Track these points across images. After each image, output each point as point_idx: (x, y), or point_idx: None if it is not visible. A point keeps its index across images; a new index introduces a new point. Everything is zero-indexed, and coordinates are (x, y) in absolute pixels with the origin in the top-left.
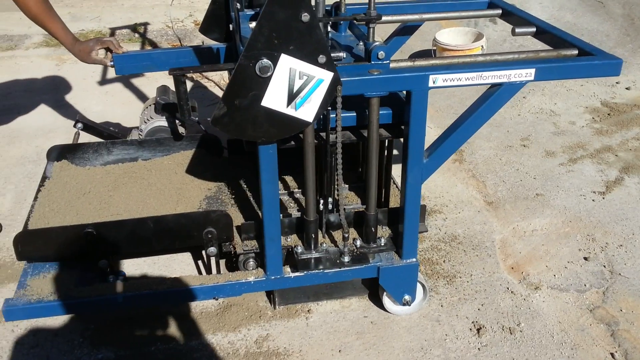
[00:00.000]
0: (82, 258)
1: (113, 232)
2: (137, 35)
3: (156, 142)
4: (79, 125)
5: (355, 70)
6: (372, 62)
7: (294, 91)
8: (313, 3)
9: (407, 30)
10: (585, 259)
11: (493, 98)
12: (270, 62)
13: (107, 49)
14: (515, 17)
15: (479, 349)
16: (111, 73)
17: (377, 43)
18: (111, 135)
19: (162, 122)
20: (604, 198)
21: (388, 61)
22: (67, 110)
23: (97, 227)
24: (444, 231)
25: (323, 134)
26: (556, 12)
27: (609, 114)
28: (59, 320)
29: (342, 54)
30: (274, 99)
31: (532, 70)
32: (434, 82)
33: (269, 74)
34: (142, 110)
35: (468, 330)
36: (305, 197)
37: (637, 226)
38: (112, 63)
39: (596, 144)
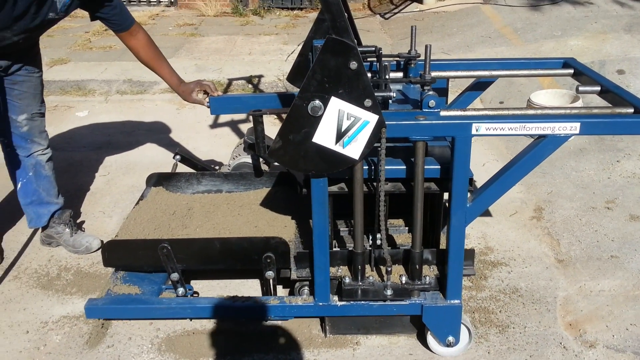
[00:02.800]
0: (158, 270)
1: (184, 248)
2: (250, 85)
3: (239, 176)
4: (177, 157)
5: (404, 116)
6: (424, 110)
7: (342, 130)
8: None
9: (480, 85)
10: None
11: (537, 149)
12: (321, 103)
13: (205, 92)
14: (585, 77)
15: None
16: (222, 119)
17: (430, 93)
18: (204, 167)
19: (247, 159)
20: None
21: (438, 110)
22: (179, 148)
23: (171, 243)
24: (506, 283)
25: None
26: None
27: None
28: (135, 326)
29: (392, 95)
30: (323, 136)
31: (577, 124)
32: (477, 130)
33: (319, 113)
34: (234, 148)
35: None
36: (354, 231)
37: None
38: (208, 104)
39: None
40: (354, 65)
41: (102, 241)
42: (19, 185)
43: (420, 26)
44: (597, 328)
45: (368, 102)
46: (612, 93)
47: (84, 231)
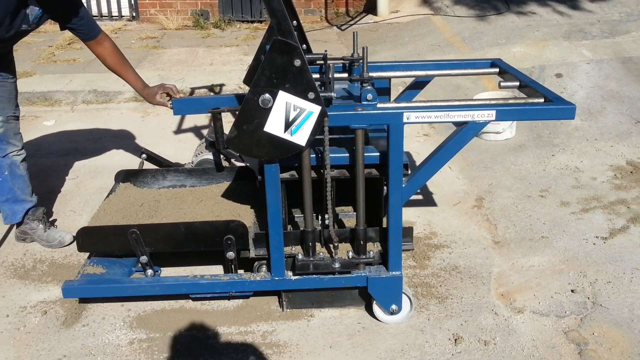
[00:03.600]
0: (128, 254)
1: (152, 233)
2: (212, 94)
3: (202, 172)
4: (144, 155)
5: (345, 108)
6: (362, 102)
7: (290, 120)
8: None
9: (419, 85)
10: (572, 291)
11: (460, 134)
12: (270, 97)
13: (168, 94)
14: (508, 75)
15: (452, 354)
16: (185, 124)
17: (368, 88)
18: (168, 165)
19: (209, 155)
20: (604, 242)
21: (375, 102)
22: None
23: (140, 228)
24: (447, 262)
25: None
26: (601, 81)
27: (631, 172)
28: (108, 308)
29: (333, 94)
30: (273, 126)
31: (493, 112)
32: (407, 119)
33: (269, 105)
34: (196, 147)
35: (447, 339)
36: (304, 212)
37: (630, 267)
38: (171, 105)
39: (611, 197)
40: (297, 62)
41: (74, 236)
42: None
43: (375, 36)
44: (526, 297)
45: (311, 95)
46: (529, 87)
47: (56, 227)
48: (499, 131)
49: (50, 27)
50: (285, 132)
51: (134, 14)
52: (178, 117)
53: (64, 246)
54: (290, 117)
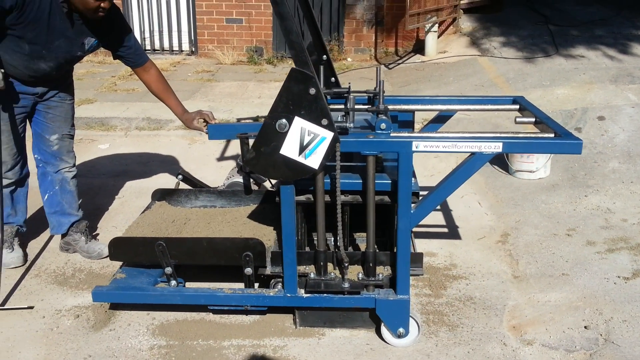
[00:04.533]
0: (155, 265)
1: (177, 246)
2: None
3: (231, 194)
4: (180, 176)
5: (358, 135)
6: (376, 131)
7: (304, 144)
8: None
9: (441, 119)
10: (586, 327)
11: (467, 165)
12: (286, 122)
13: (205, 120)
14: (527, 112)
15: None
16: (228, 153)
17: (383, 118)
18: (201, 186)
19: (239, 179)
20: (626, 282)
21: (389, 131)
22: (182, 169)
23: (166, 241)
24: (462, 292)
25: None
26: None
27: None
28: (134, 316)
29: (349, 124)
30: (289, 149)
31: (500, 144)
32: (416, 147)
33: (285, 130)
34: (230, 170)
35: None
36: (317, 232)
37: None
38: (207, 130)
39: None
40: (312, 91)
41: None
42: (45, 197)
43: (420, 75)
44: (537, 330)
45: (325, 121)
46: (543, 123)
47: (97, 240)
48: (532, 170)
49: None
50: (299, 155)
51: (193, 49)
52: (222, 145)
53: (102, 258)
54: (305, 141)
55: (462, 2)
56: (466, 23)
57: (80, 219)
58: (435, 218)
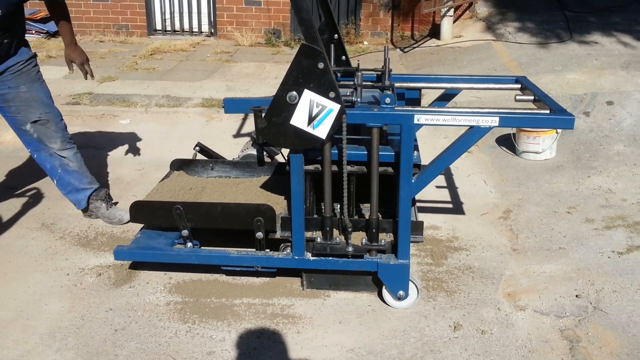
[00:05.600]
0: (172, 228)
1: (193, 210)
2: None
3: (245, 165)
4: (197, 148)
5: (363, 108)
6: (381, 105)
7: (312, 115)
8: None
9: (446, 97)
10: (577, 296)
11: (465, 137)
12: (296, 94)
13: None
14: (528, 91)
15: (449, 339)
16: (244, 130)
17: (387, 93)
18: (217, 158)
19: (253, 151)
20: (619, 257)
21: (393, 105)
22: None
23: (183, 205)
24: (462, 262)
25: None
26: None
27: None
28: (152, 275)
29: (355, 98)
30: (298, 119)
31: (497, 118)
32: (418, 120)
33: (295, 102)
34: (244, 143)
35: (447, 326)
36: (324, 199)
37: (639, 280)
38: (71, 72)
39: (637, 218)
40: (321, 65)
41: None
42: (55, 182)
43: (435, 59)
44: (531, 298)
45: (332, 94)
46: (541, 101)
47: (116, 207)
48: (538, 151)
49: (137, 39)
50: (308, 125)
51: (212, 30)
52: (238, 122)
53: (123, 223)
54: (313, 112)
55: None
56: (482, 8)
57: (97, 188)
58: (441, 194)
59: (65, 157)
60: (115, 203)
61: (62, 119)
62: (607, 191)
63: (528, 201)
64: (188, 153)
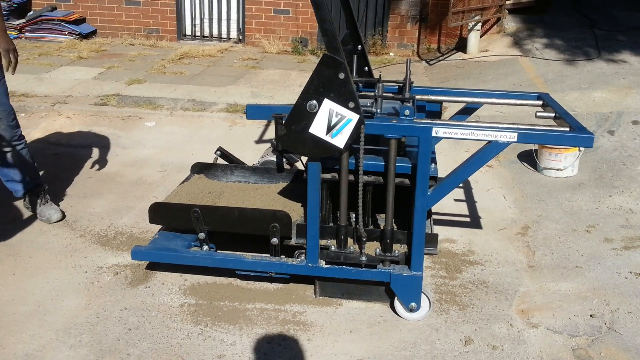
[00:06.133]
0: (190, 231)
1: (211, 213)
2: None
3: (265, 171)
4: (218, 152)
5: (383, 119)
6: (400, 117)
7: (332, 125)
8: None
9: (467, 110)
10: (591, 316)
11: (483, 152)
12: (317, 103)
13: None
14: (549, 108)
15: (460, 353)
16: (266, 135)
17: (407, 105)
18: (237, 163)
19: (273, 157)
20: (637, 278)
21: (412, 118)
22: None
23: (201, 208)
24: (477, 277)
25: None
26: None
27: None
28: (168, 276)
29: (374, 109)
30: (317, 128)
31: (515, 134)
32: (436, 133)
33: (315, 110)
34: (265, 150)
35: (458, 340)
36: (340, 208)
37: None
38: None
39: None
40: (342, 75)
41: (63, 213)
42: None
43: (460, 73)
44: (544, 315)
45: (352, 104)
46: (561, 118)
47: (51, 204)
48: (560, 168)
49: (166, 43)
50: (327, 134)
51: (241, 37)
52: (261, 128)
53: (51, 223)
54: (332, 122)
55: (507, 2)
56: (510, 23)
57: (36, 185)
58: (459, 208)
59: (9, 152)
60: (56, 202)
61: (15, 118)
62: (628, 211)
63: (547, 218)
64: (210, 157)
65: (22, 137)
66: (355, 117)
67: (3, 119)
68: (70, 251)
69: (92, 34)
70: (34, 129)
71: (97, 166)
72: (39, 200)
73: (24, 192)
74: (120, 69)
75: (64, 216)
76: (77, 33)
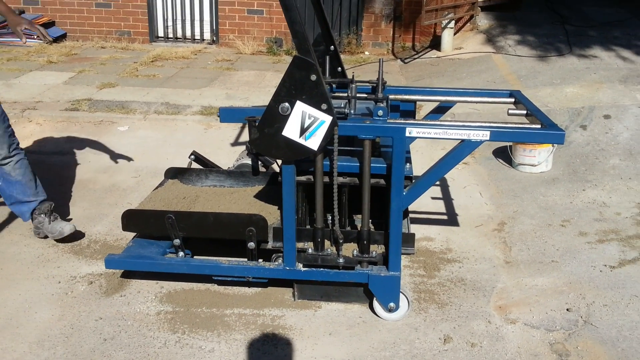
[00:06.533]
0: (164, 237)
1: (185, 219)
2: None
3: (240, 174)
4: (192, 156)
5: (355, 120)
6: (374, 118)
7: (305, 127)
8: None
9: (442, 109)
10: (568, 310)
11: (456, 151)
12: (289, 105)
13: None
14: (521, 105)
15: (439, 351)
16: (242, 137)
17: (381, 105)
18: (212, 167)
19: (248, 161)
20: (611, 270)
21: (385, 118)
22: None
23: (175, 214)
24: (455, 274)
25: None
26: None
27: None
28: (144, 284)
29: (348, 110)
30: (291, 131)
31: (488, 132)
32: (409, 133)
33: (288, 113)
34: (240, 152)
35: (437, 339)
36: (316, 210)
37: (630, 294)
38: (25, 41)
39: (630, 232)
40: (313, 77)
41: (74, 227)
42: None
43: (435, 70)
44: (522, 311)
45: (324, 106)
46: (533, 115)
47: (58, 219)
48: (534, 164)
49: (139, 45)
50: (300, 137)
51: (214, 38)
52: (236, 131)
53: (64, 236)
54: (305, 124)
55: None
56: (483, 20)
57: (41, 201)
58: (436, 206)
59: (6, 169)
60: (64, 217)
61: (9, 124)
62: (601, 205)
63: (522, 214)
64: (185, 161)
65: (19, 146)
66: (328, 119)
67: None
68: (43, 261)
69: (62, 37)
70: None
71: (69, 173)
72: (47, 219)
73: (29, 215)
74: (92, 72)
75: (75, 229)
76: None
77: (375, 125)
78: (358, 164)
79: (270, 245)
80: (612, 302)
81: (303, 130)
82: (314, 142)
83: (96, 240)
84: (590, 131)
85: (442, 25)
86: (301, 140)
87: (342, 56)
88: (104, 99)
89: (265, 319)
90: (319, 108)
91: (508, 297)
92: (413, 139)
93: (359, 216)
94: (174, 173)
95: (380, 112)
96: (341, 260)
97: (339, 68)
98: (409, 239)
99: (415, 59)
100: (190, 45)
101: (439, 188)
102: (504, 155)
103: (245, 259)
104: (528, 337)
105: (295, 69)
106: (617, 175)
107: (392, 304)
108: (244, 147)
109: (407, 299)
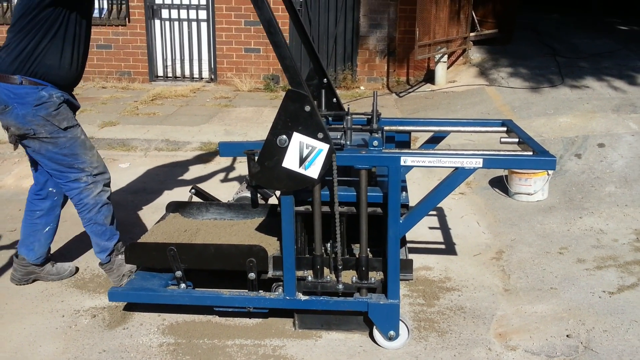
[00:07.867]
0: (166, 269)
1: (187, 251)
2: None
3: (239, 207)
4: (192, 190)
5: (353, 151)
6: (369, 148)
7: (303, 157)
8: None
9: (435, 139)
10: (568, 336)
11: (450, 179)
12: (286, 137)
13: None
14: (513, 133)
15: None
16: (241, 171)
17: (376, 136)
18: (212, 200)
19: (247, 194)
20: (610, 296)
21: (380, 148)
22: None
23: (177, 246)
24: (454, 303)
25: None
26: None
27: None
28: (146, 316)
29: (344, 141)
30: (290, 162)
31: (480, 160)
32: (404, 162)
33: (286, 145)
34: (239, 186)
35: None
36: (314, 238)
37: (630, 319)
38: None
39: (628, 258)
40: (307, 108)
41: (76, 267)
42: (46, 230)
43: (429, 103)
44: (522, 338)
45: (320, 135)
46: (525, 143)
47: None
48: (530, 192)
49: (139, 85)
50: (300, 167)
51: (212, 76)
52: (235, 164)
53: (74, 274)
54: (304, 154)
55: (471, 34)
56: (476, 54)
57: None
58: (434, 235)
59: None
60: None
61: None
62: (598, 232)
63: (520, 242)
64: (185, 196)
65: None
66: (325, 147)
67: None
68: (47, 296)
69: None
70: (6, 175)
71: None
72: (48, 265)
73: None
74: (93, 112)
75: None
76: None
77: (371, 155)
78: (355, 193)
79: (270, 274)
80: (612, 327)
81: (302, 160)
82: (313, 171)
83: (99, 275)
84: (585, 160)
85: (436, 60)
86: (301, 170)
87: (338, 91)
88: (105, 137)
89: (266, 349)
90: (315, 137)
91: (508, 324)
92: (408, 167)
93: (357, 245)
94: (175, 207)
95: (375, 143)
96: (340, 286)
97: (334, 99)
98: (407, 265)
99: (410, 92)
100: (189, 84)
101: (436, 218)
102: (500, 184)
103: (246, 290)
104: None
105: (290, 101)
106: (613, 203)
107: (392, 332)
108: (242, 181)
109: (407, 327)
